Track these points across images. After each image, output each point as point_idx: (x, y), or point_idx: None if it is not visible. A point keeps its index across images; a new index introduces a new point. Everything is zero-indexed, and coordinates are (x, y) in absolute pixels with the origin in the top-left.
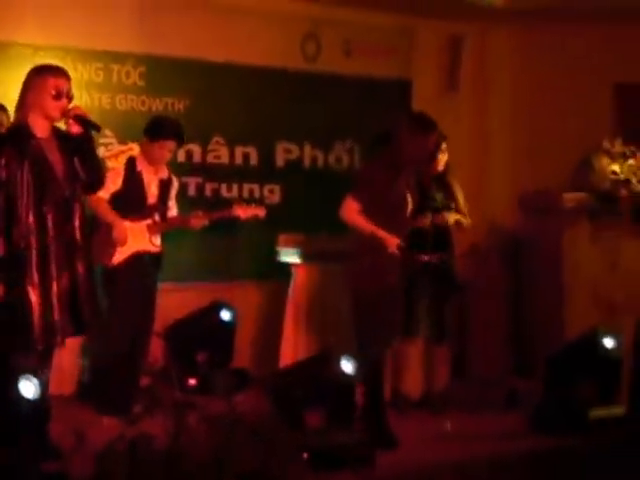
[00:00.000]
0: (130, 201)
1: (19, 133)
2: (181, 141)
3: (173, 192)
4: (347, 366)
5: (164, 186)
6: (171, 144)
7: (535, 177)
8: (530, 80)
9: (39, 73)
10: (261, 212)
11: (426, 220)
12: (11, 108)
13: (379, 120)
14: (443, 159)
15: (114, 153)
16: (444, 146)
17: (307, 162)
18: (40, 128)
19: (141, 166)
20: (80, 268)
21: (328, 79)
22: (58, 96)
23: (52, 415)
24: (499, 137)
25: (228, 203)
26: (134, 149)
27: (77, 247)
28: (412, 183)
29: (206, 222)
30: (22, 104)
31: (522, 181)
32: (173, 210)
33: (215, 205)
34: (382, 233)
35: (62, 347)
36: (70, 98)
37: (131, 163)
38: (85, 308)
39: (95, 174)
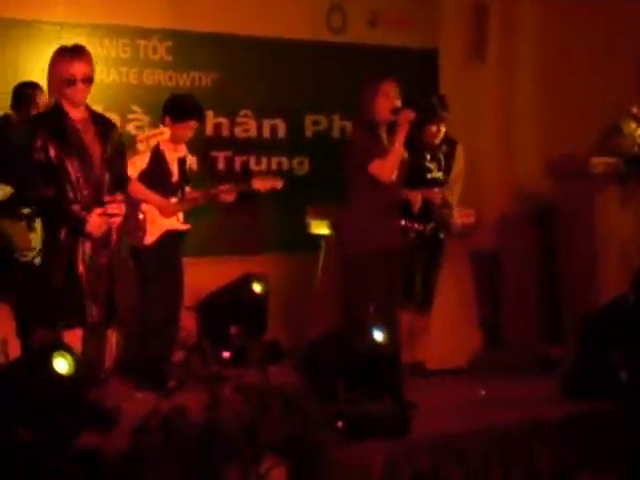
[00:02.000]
0: (156, 180)
1: (55, 115)
2: (203, 118)
3: (188, 169)
4: (379, 335)
5: (182, 164)
6: (194, 123)
7: (563, 144)
8: (556, 46)
9: (55, 58)
10: (278, 184)
11: (416, 199)
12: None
13: (406, 90)
14: (437, 130)
15: (145, 136)
16: (441, 117)
17: (336, 133)
18: (74, 110)
19: (163, 145)
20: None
21: (355, 50)
22: (70, 82)
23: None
24: (526, 104)
25: (249, 175)
26: (165, 133)
27: (112, 235)
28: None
29: (235, 196)
30: (49, 88)
31: (550, 148)
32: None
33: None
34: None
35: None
36: (86, 81)
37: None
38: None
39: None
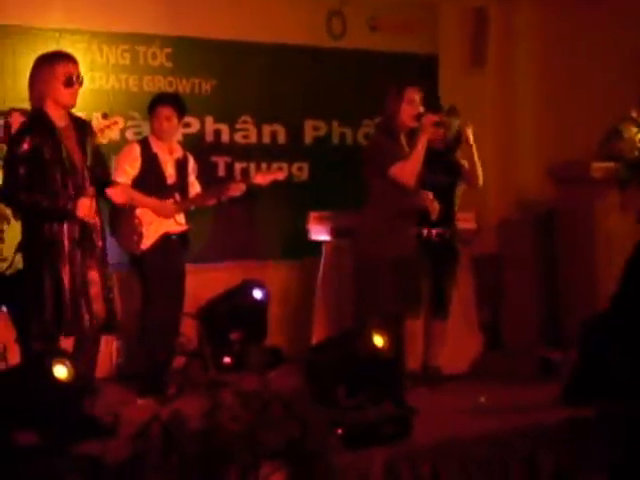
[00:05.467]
0: (150, 183)
1: (40, 121)
2: (174, 105)
3: (191, 169)
4: (379, 340)
5: (180, 165)
6: (166, 110)
7: (563, 149)
8: (556, 51)
9: (47, 62)
10: (280, 175)
11: (434, 207)
12: None
13: None
14: (439, 133)
15: (100, 128)
16: (440, 120)
17: (335, 139)
18: (58, 117)
19: (156, 148)
20: (98, 267)
21: (354, 56)
22: (69, 83)
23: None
24: (526, 109)
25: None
26: (119, 122)
27: (95, 244)
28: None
29: (244, 188)
30: (35, 94)
31: (550, 153)
32: (196, 187)
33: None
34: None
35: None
36: (80, 82)
37: (146, 146)
38: (107, 309)
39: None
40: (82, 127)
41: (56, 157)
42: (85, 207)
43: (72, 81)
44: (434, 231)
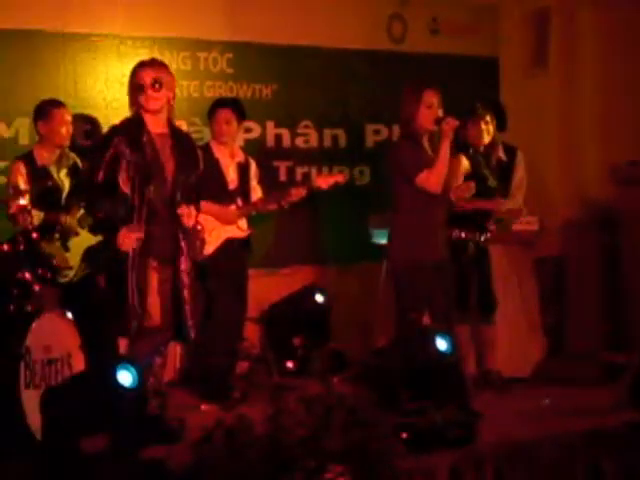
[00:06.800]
0: (211, 189)
1: (132, 126)
2: (233, 108)
3: (252, 174)
4: (442, 344)
5: (242, 170)
6: (225, 113)
7: (625, 150)
8: (619, 51)
9: (133, 70)
10: (341, 178)
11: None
12: (105, 98)
13: (467, 99)
14: (479, 132)
15: None
16: (487, 118)
17: None
18: (153, 123)
19: (217, 153)
20: (184, 275)
21: (415, 59)
22: (140, 89)
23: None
24: (588, 111)
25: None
26: (182, 127)
27: (181, 251)
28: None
29: (304, 194)
30: (130, 100)
31: (612, 154)
32: (258, 192)
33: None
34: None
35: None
36: (156, 87)
37: (207, 151)
38: (188, 312)
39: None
40: (180, 137)
41: (140, 161)
42: (121, 239)
43: (142, 87)
44: (466, 234)
